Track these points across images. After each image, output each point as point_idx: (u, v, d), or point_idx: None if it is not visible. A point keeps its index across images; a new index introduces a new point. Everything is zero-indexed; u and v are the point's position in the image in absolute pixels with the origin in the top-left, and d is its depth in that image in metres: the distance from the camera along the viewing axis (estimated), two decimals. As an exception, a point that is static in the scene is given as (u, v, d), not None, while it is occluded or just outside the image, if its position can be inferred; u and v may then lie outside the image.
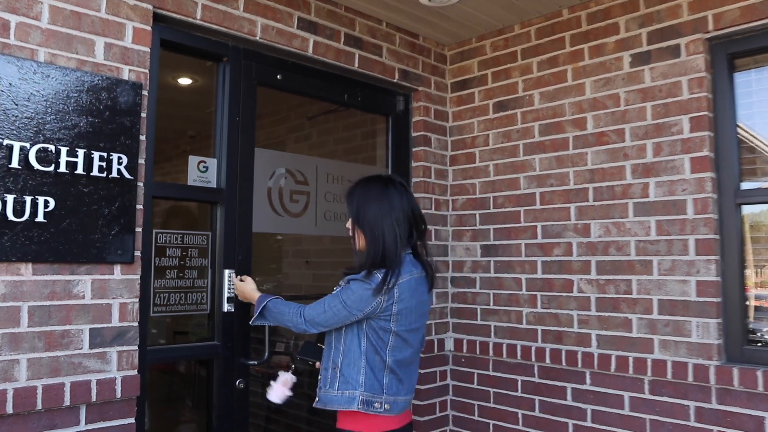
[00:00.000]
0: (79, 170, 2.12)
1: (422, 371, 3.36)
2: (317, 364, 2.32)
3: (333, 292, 2.17)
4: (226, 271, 2.61)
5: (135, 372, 2.25)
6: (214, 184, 2.66)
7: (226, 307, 2.59)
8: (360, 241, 2.19)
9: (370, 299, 2.03)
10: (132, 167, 2.26)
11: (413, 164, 3.51)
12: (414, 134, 3.53)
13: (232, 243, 2.66)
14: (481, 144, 3.47)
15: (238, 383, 2.62)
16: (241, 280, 2.53)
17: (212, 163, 2.67)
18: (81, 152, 2.13)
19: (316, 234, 3.08)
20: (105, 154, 2.18)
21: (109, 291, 2.21)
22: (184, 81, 3.37)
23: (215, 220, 2.67)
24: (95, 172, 2.15)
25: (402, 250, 2.13)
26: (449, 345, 3.50)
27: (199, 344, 2.60)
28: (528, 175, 3.25)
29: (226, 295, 2.59)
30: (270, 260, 3.72)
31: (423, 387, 3.36)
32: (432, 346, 3.41)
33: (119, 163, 2.22)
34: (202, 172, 2.64)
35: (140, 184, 2.32)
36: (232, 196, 2.67)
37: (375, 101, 3.39)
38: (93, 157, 2.15)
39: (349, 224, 2.24)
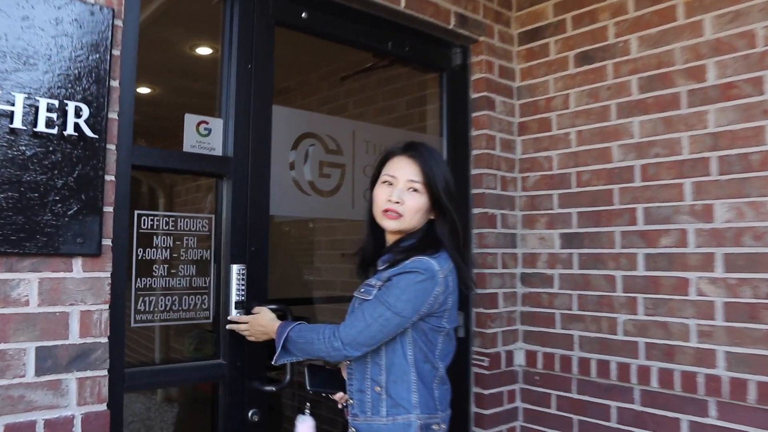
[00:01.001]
0: (17, 123, 1.49)
1: (485, 391, 2.68)
2: (339, 394, 1.80)
3: (367, 299, 1.66)
4: (234, 267, 1.96)
5: (103, 407, 1.63)
6: (218, 152, 2.02)
7: (235, 313, 1.94)
8: (414, 218, 1.72)
9: (428, 293, 1.61)
10: (97, 123, 1.62)
11: (473, 132, 2.81)
12: (474, 95, 2.83)
13: (242, 229, 2.01)
14: (558, 107, 2.75)
15: (251, 415, 1.98)
16: (252, 313, 1.93)
17: (216, 124, 2.02)
18: (19, 98, 1.50)
19: (352, 219, 2.40)
20: (56, 103, 1.55)
21: (65, 294, 1.58)
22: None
23: (221, 198, 2.02)
24: (41, 127, 1.52)
25: None
26: (519, 359, 2.80)
27: (199, 364, 1.96)
28: (624, 144, 2.52)
29: (234, 298, 1.95)
30: (294, 253, 3.07)
31: (486, 411, 2.67)
32: (497, 360, 2.72)
33: (77, 116, 1.58)
34: (203, 135, 2.00)
35: (110, 146, 1.68)
36: (242, 167, 2.02)
37: (426, 53, 2.70)
38: (38, 106, 1.52)
39: (413, 199, 1.71)
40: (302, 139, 2.23)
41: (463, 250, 1.72)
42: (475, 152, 2.80)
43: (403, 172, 1.71)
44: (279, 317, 1.86)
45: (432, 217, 1.73)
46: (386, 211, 1.70)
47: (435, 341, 1.68)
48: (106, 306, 1.65)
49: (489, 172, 2.77)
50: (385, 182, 1.74)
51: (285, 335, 1.70)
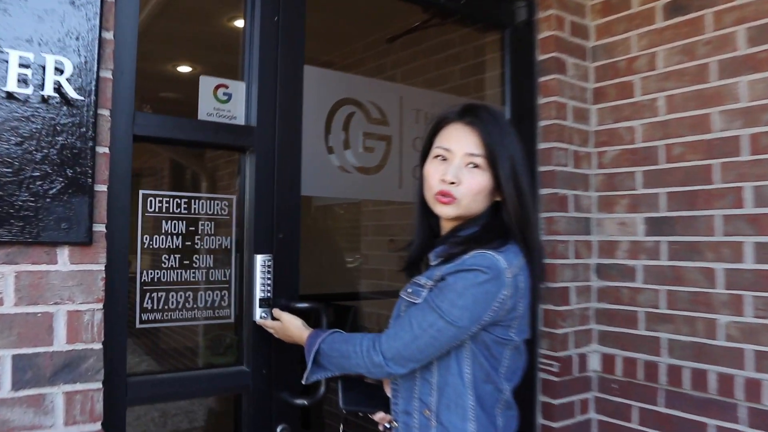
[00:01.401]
0: (-20, 81, 1.20)
1: (554, 401, 2.31)
2: (380, 414, 1.49)
3: (416, 303, 1.32)
4: (259, 258, 1.65)
5: (97, 426, 1.35)
6: (240, 120, 1.70)
7: (259, 314, 1.64)
8: (474, 202, 1.35)
9: (492, 298, 1.25)
10: (85, 83, 1.33)
11: (541, 100, 2.41)
12: (541, 57, 2.43)
13: (268, 213, 1.69)
14: (643, 68, 2.32)
15: (280, 431, 1.67)
16: (275, 318, 1.62)
17: (237, 88, 1.71)
18: (-17, 49, 1.21)
19: (400, 199, 2.06)
20: (30, 56, 1.26)
21: (48, 291, 1.30)
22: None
23: (243, 176, 1.71)
24: (11, 86, 1.23)
25: None
26: (594, 363, 2.41)
27: (218, 371, 1.66)
28: (727, 110, 2.08)
29: (258, 294, 1.64)
30: (333, 240, 2.75)
31: (554, 424, 2.30)
32: (569, 365, 2.34)
33: (58, 73, 1.28)
34: (222, 101, 1.69)
35: (103, 112, 1.38)
36: (267, 139, 1.70)
37: (484, 7, 2.31)
38: (7, 60, 1.23)
39: (473, 178, 1.35)
40: (340, 105, 1.89)
41: (534, 239, 1.36)
42: (542, 123, 2.40)
43: (460, 143, 1.35)
44: (310, 320, 1.54)
45: (498, 199, 1.37)
46: (439, 193, 1.35)
47: (500, 356, 1.33)
48: (100, 305, 1.36)
49: (559, 146, 2.37)
50: (437, 157, 1.38)
51: (316, 348, 1.39)
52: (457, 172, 1.33)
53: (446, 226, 1.42)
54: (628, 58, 2.37)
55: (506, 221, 1.34)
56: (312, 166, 1.81)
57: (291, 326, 1.53)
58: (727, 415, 2.02)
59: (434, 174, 1.37)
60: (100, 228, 1.36)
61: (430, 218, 1.46)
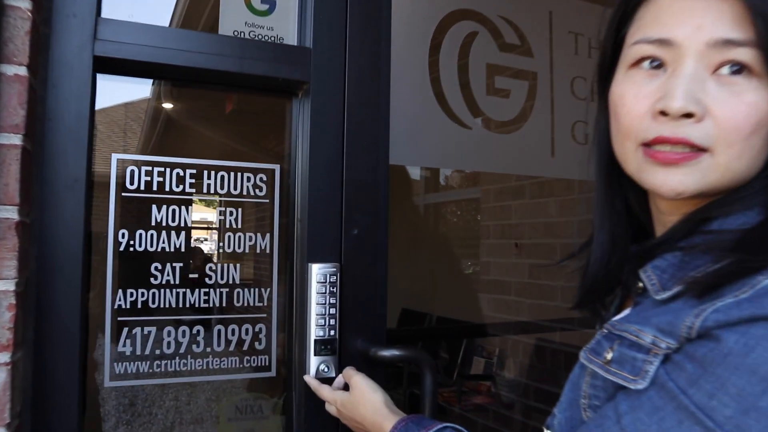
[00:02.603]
0: None
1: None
2: None
3: (629, 386, 0.55)
4: (315, 268, 0.97)
5: None
6: (291, 40, 1.04)
7: (316, 364, 0.96)
8: (747, 152, 0.58)
9: None
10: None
11: None
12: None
13: (332, 192, 1.01)
14: None
15: None
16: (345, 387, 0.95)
17: (284, -9, 1.04)
18: None
19: (553, 176, 1.31)
20: None
21: None
22: None
23: (294, 133, 1.04)
24: None
25: None
26: None
27: (248, 459, 0.99)
28: None
29: (314, 332, 0.96)
30: (434, 240, 2.07)
31: None
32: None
33: None
34: (260, 13, 1.04)
35: (17, 3, 0.76)
36: (333, 70, 1.02)
37: None
38: None
39: (738, 97, 0.57)
40: (453, 22, 1.17)
41: None
42: None
43: (696, 20, 0.60)
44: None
45: None
46: (656, 141, 0.61)
47: None
48: (6, 355, 0.73)
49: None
50: (640, 62, 0.64)
51: None
52: (695, 89, 0.59)
53: (670, 214, 0.68)
54: None
55: None
56: (407, 118, 1.10)
57: (365, 404, 0.87)
58: None
59: (638, 101, 0.63)
60: (8, 214, 0.74)
61: (629, 198, 0.72)
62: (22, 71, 0.76)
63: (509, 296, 2.59)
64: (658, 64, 0.62)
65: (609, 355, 0.60)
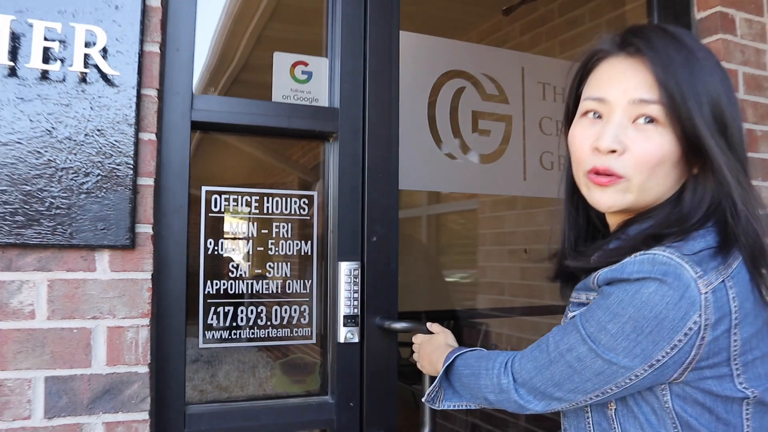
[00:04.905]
0: (0, 58, 1.04)
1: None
2: None
3: (568, 320, 0.94)
4: (344, 266, 1.36)
5: (143, 467, 1.13)
6: (323, 102, 1.44)
7: (344, 333, 1.35)
8: (654, 180, 0.87)
9: (672, 325, 0.78)
10: (124, 57, 1.12)
11: (709, 67, 1.90)
12: (700, 14, 1.91)
13: (355, 211, 1.40)
14: None
15: (373, 477, 1.37)
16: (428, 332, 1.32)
17: (319, 65, 1.44)
18: (3, 20, 1.04)
19: (524, 195, 1.68)
20: (58, 27, 1.07)
21: (85, 303, 1.11)
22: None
23: (327, 168, 1.44)
24: (35, 63, 1.06)
25: None
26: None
27: (297, 402, 1.38)
28: None
29: (343, 309, 1.35)
30: (439, 247, 2.43)
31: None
32: None
33: (90, 46, 1.09)
34: (301, 81, 1.44)
35: (149, 92, 1.17)
36: (354, 122, 1.42)
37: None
38: (30, 32, 1.06)
39: (647, 141, 0.86)
40: (446, 80, 1.56)
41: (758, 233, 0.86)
42: (712, 96, 1.89)
43: (621, 87, 0.88)
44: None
45: (695, 172, 0.88)
46: (592, 171, 0.89)
47: (733, 421, 0.83)
48: (146, 320, 1.14)
49: (737, 123, 1.84)
50: (587, 114, 0.92)
51: (449, 361, 1.08)
52: (619, 134, 0.86)
53: (613, 222, 0.97)
54: (832, 4, 1.79)
55: (699, 203, 0.86)
56: (412, 153, 1.49)
57: (441, 339, 1.24)
58: None
59: (583, 141, 0.90)
60: (145, 229, 1.15)
61: (589, 212, 1.01)
62: (153, 137, 1.17)
63: (503, 296, 2.90)
64: (598, 116, 0.89)
65: (569, 314, 0.94)
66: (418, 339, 1.31)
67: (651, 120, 0.85)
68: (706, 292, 0.77)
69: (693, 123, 0.83)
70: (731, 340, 0.80)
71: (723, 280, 0.79)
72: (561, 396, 0.88)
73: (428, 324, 1.30)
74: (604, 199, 0.89)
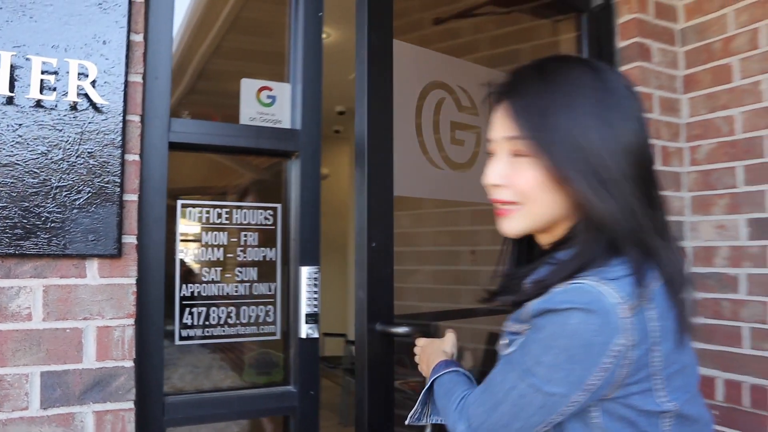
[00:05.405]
0: (2, 89, 1.16)
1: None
2: None
3: (505, 354, 0.98)
4: (305, 270, 1.54)
5: (129, 449, 1.27)
6: (287, 124, 1.61)
7: (306, 329, 1.53)
8: (544, 205, 0.95)
9: (601, 351, 0.84)
10: (112, 88, 1.27)
11: (622, 92, 2.17)
12: (622, 43, 2.19)
13: (314, 221, 1.58)
14: (743, 48, 2.03)
15: (331, 456, 1.55)
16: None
17: (283, 90, 1.61)
18: (4, 56, 1.17)
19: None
20: (53, 62, 1.21)
21: (77, 306, 1.25)
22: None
23: (289, 182, 1.61)
24: (33, 93, 1.19)
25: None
26: (692, 386, 2.13)
27: (263, 392, 1.55)
28: None
29: (304, 309, 1.53)
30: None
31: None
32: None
33: (82, 78, 1.23)
34: (266, 104, 1.60)
35: (133, 118, 1.32)
36: (314, 142, 1.59)
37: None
38: (30, 67, 1.19)
39: (519, 172, 0.96)
40: (429, 91, 1.75)
41: (661, 249, 0.93)
42: (624, 117, 2.16)
43: (497, 125, 1.00)
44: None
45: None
46: (494, 203, 1.01)
47: None
48: (131, 320, 1.29)
49: (644, 141, 2.12)
50: (489, 154, 1.03)
51: (432, 379, 1.17)
52: (501, 168, 0.97)
53: (541, 242, 1.05)
54: (724, 38, 2.09)
55: (597, 230, 0.91)
56: (404, 163, 1.69)
57: (432, 346, 1.31)
58: None
59: (483, 177, 1.01)
60: (130, 240, 1.30)
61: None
62: (137, 158, 1.32)
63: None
64: (492, 154, 1.01)
65: (504, 340, 1.00)
66: (420, 342, 1.38)
67: (521, 154, 0.95)
68: (626, 317, 0.83)
69: (548, 155, 0.91)
70: (651, 357, 0.86)
71: (643, 304, 0.85)
72: None
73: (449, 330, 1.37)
74: (504, 226, 1.00)
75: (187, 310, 1.47)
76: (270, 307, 1.56)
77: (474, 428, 0.96)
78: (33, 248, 1.19)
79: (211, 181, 1.66)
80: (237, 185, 1.67)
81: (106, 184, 1.25)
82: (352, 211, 6.68)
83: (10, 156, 1.18)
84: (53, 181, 1.21)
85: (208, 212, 1.50)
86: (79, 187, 1.23)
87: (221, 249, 1.52)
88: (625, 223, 0.89)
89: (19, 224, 1.18)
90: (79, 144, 1.23)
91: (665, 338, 0.87)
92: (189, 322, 1.47)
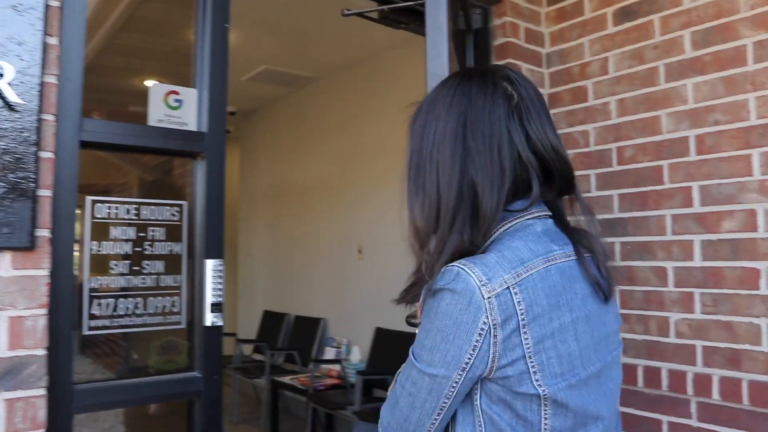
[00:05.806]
0: None
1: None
2: None
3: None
4: (209, 263, 1.65)
5: (41, 433, 1.34)
6: (193, 126, 1.71)
7: (211, 318, 1.64)
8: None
9: (469, 329, 0.87)
10: (27, 88, 1.33)
11: (497, 106, 2.45)
12: (497, 63, 2.47)
13: (218, 217, 1.70)
14: (596, 73, 2.37)
15: (234, 436, 1.67)
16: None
17: (189, 95, 1.71)
18: None
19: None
20: (-32, 61, 1.26)
21: (-11, 297, 1.29)
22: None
23: (195, 181, 1.71)
24: (-51, 91, 1.23)
25: (501, 209, 0.94)
26: (553, 364, 2.44)
27: (169, 377, 1.65)
28: (675, 111, 2.13)
29: (209, 300, 1.64)
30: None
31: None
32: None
33: (-2, 78, 1.28)
34: (173, 108, 1.70)
35: (47, 117, 1.38)
36: (219, 144, 1.71)
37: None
38: (-55, 65, 1.23)
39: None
40: None
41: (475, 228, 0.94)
42: (499, 128, 2.44)
43: None
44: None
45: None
46: None
47: (533, 417, 0.88)
48: (43, 311, 1.35)
49: (515, 150, 2.41)
50: None
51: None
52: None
53: None
54: (581, 64, 2.42)
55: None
56: None
57: None
58: (680, 411, 2.06)
59: None
60: (43, 233, 1.36)
61: None
62: (51, 155, 1.38)
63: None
64: None
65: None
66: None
67: None
68: (488, 297, 0.85)
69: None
70: (522, 338, 0.86)
71: (508, 287, 0.86)
72: (414, 430, 0.92)
73: None
74: None
75: (96, 301, 1.53)
76: (176, 297, 1.66)
77: (384, 427, 0.96)
78: (-55, 241, 1.23)
79: (120, 179, 1.73)
80: (144, 183, 1.74)
81: (21, 179, 1.31)
82: (240, 209, 6.74)
83: None
84: (-34, 177, 1.25)
85: (117, 208, 1.58)
86: (-8, 182, 1.28)
87: (129, 243, 1.60)
88: (478, 212, 0.93)
89: (-70, 217, 1.22)
90: (-7, 141, 1.28)
91: (536, 322, 0.87)
92: (97, 312, 1.53)
